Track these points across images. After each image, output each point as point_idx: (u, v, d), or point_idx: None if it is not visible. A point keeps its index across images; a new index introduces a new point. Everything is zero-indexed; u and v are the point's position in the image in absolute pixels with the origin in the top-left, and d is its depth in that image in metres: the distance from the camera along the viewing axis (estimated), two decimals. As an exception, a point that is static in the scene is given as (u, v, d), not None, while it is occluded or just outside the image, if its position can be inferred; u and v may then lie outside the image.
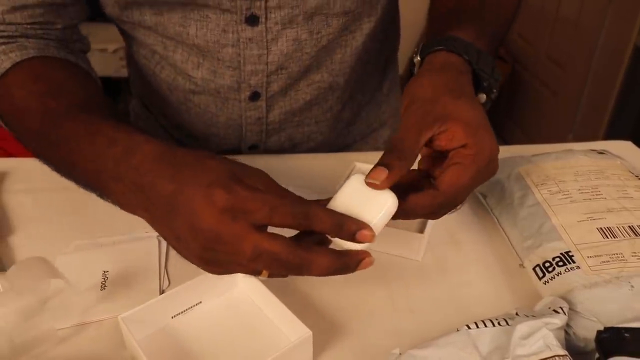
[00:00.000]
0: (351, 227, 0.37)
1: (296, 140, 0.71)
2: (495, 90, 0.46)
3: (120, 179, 0.40)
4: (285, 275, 0.39)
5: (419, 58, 0.47)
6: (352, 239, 0.37)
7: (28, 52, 0.54)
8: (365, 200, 0.38)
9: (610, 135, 1.83)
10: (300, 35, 0.59)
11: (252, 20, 0.57)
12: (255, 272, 0.38)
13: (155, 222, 0.40)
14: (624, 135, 1.81)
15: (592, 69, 1.88)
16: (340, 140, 0.75)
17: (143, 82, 0.71)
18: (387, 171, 0.38)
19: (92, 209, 0.60)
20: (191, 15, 0.57)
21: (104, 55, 1.96)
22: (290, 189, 0.38)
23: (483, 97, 0.48)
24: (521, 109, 2.32)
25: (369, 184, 0.38)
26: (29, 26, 0.55)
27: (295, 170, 0.58)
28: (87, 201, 0.61)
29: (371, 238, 0.37)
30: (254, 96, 0.64)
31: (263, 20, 0.57)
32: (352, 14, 0.60)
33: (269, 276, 0.39)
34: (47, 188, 0.63)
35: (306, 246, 0.36)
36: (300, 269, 0.36)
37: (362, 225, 0.37)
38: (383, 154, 0.39)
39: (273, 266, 0.36)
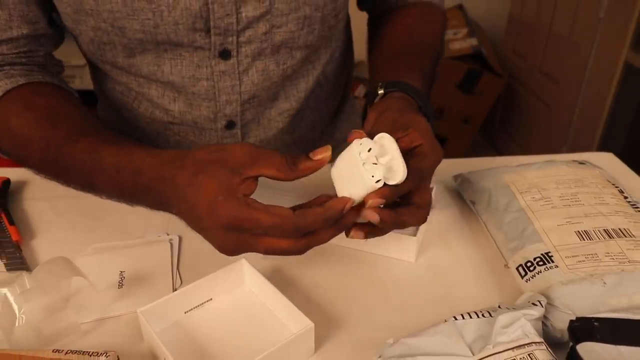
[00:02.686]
0: (336, 210, 0.44)
1: None
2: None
3: (142, 197, 0.50)
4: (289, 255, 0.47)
5: (382, 91, 0.56)
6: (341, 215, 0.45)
7: (17, 80, 0.58)
8: (358, 170, 0.44)
9: (604, 147, 1.87)
10: (268, 66, 0.64)
11: (225, 54, 0.61)
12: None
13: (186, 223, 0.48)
14: (617, 148, 1.84)
15: (584, 84, 1.92)
16: None
17: (118, 114, 0.73)
18: None
19: (107, 215, 0.65)
20: (164, 55, 0.61)
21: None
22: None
23: None
24: (515, 122, 2.37)
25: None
26: (14, 55, 0.59)
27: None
28: (102, 208, 0.66)
29: (350, 204, 0.44)
30: (230, 125, 0.68)
31: (235, 54, 0.62)
32: (312, 47, 0.65)
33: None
34: (64, 195, 0.67)
35: (310, 231, 0.44)
36: (307, 250, 0.45)
37: (344, 201, 0.44)
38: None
39: (285, 255, 0.46)
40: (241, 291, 0.53)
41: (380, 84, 0.56)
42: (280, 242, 0.44)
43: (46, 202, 0.67)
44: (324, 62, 0.70)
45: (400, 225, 0.47)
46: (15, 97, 0.57)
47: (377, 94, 0.56)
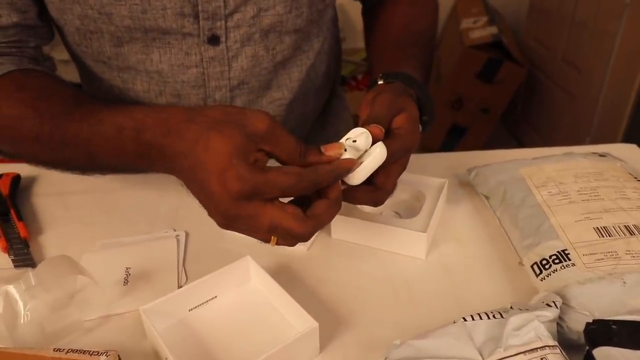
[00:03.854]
0: (344, 169, 0.44)
1: None
2: (425, 118, 0.57)
3: (142, 158, 0.45)
4: (293, 244, 0.44)
5: (382, 82, 0.56)
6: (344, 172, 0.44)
7: (7, 67, 0.56)
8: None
9: (629, 138, 1.81)
10: (258, 52, 0.64)
11: (214, 40, 0.61)
12: (267, 240, 0.43)
13: (186, 185, 0.44)
14: (643, 138, 1.76)
15: (609, 72, 1.86)
16: None
17: None
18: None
19: (115, 211, 0.65)
20: (153, 44, 0.60)
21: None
22: None
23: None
24: (538, 112, 2.31)
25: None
26: (4, 44, 0.58)
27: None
28: (111, 203, 0.66)
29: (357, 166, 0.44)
30: None
31: (223, 39, 0.61)
32: (302, 31, 0.65)
33: (277, 244, 0.43)
34: (73, 191, 0.68)
35: (315, 212, 0.42)
36: (308, 237, 0.42)
37: (351, 162, 0.44)
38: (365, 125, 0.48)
39: (287, 238, 0.42)
40: (246, 289, 0.52)
41: (380, 75, 0.56)
42: (287, 220, 0.41)
43: (56, 197, 0.67)
44: (315, 51, 0.70)
45: (349, 199, 0.47)
46: (6, 83, 0.56)
47: (377, 84, 0.56)
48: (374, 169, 0.45)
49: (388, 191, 0.49)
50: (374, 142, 0.46)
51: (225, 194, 0.39)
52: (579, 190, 0.55)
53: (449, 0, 2.37)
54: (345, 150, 0.44)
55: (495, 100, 2.20)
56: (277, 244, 0.43)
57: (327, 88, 0.80)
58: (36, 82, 0.56)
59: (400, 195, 0.63)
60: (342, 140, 0.45)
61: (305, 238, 0.42)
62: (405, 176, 0.64)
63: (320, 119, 0.82)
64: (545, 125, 2.28)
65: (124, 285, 0.53)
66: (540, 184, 0.57)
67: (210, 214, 0.42)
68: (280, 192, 0.40)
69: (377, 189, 0.48)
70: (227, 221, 0.41)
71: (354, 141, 0.45)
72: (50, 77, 0.58)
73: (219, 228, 0.43)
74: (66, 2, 0.57)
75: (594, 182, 0.56)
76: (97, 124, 0.47)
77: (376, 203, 0.49)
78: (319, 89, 0.77)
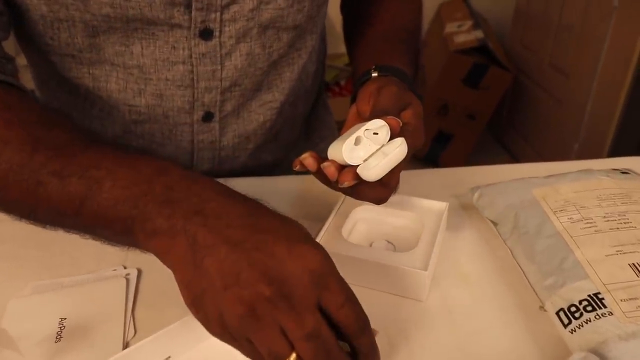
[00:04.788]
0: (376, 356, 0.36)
1: (249, 168, 0.68)
2: None
3: (171, 202, 0.35)
4: None
5: (377, 74, 0.53)
6: None
7: None
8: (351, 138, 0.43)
9: (618, 144, 1.78)
10: (254, 49, 0.57)
11: (206, 34, 0.54)
12: (283, 356, 0.32)
13: (206, 250, 0.33)
14: (631, 145, 1.74)
15: (597, 77, 1.83)
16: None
17: None
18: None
19: (54, 244, 0.54)
20: (134, 34, 0.53)
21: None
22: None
23: None
24: (524, 118, 2.27)
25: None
26: None
27: (270, 195, 0.52)
28: (49, 235, 0.55)
29: None
30: (207, 117, 0.61)
31: (217, 34, 0.54)
32: (299, 28, 0.60)
33: None
34: (6, 219, 0.56)
35: (346, 354, 0.34)
36: None
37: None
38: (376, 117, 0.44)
39: (319, 355, 0.32)
40: (207, 345, 0.42)
41: (373, 67, 0.54)
42: (330, 333, 0.32)
43: (-20, 228, 0.56)
44: (309, 50, 0.64)
45: (354, 193, 0.44)
46: None
47: (371, 76, 0.53)
48: (393, 167, 0.42)
49: (392, 188, 0.45)
50: (391, 136, 0.43)
51: (298, 262, 0.32)
52: (605, 216, 0.47)
53: (432, 5, 2.31)
54: (358, 143, 0.42)
55: (482, 106, 2.15)
56: None
57: (314, 91, 0.75)
58: (25, 105, 0.45)
59: (393, 221, 0.54)
60: (360, 130, 0.42)
61: None
62: (397, 198, 0.55)
63: (306, 125, 0.76)
64: (532, 132, 2.23)
65: (56, 342, 0.43)
66: (558, 208, 0.49)
67: (238, 292, 0.32)
68: (344, 299, 0.33)
69: (382, 185, 0.44)
70: (264, 302, 0.31)
71: (375, 133, 0.43)
72: (39, 104, 0.46)
73: None
74: None
75: (622, 206, 0.48)
76: (136, 159, 0.39)
77: (380, 200, 0.45)
78: (308, 91, 0.71)
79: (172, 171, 0.37)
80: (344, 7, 0.73)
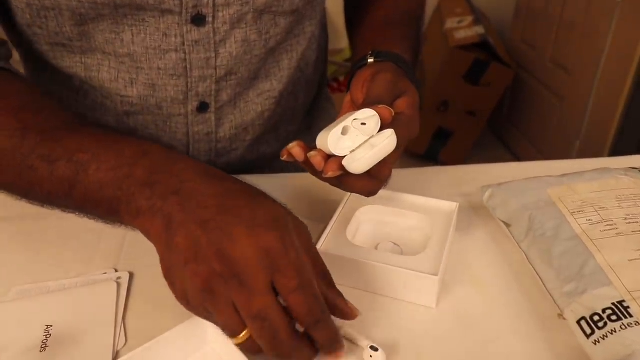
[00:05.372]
0: (337, 348, 0.37)
1: (248, 161, 0.66)
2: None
3: (151, 184, 0.37)
4: (257, 352, 0.36)
5: (373, 60, 0.52)
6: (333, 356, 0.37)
7: None
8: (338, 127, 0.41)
9: (620, 142, 1.76)
10: (250, 36, 0.55)
11: (199, 20, 0.52)
12: (236, 331, 0.35)
13: (177, 228, 0.35)
14: (633, 143, 1.72)
15: (599, 74, 1.81)
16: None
17: None
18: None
19: (41, 246, 0.51)
20: (124, 20, 0.51)
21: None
22: None
23: None
24: (525, 115, 2.25)
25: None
26: None
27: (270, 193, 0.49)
28: (36, 236, 0.52)
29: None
30: (202, 107, 0.58)
31: (210, 19, 0.52)
32: (297, 13, 0.58)
33: (241, 345, 0.35)
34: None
35: (302, 335, 0.35)
36: (284, 354, 0.35)
37: (343, 350, 0.37)
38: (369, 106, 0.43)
39: (265, 338, 0.34)
40: (201, 355, 0.39)
41: (370, 52, 0.53)
42: (280, 315, 0.34)
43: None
44: (308, 37, 0.62)
45: (342, 185, 0.43)
46: None
47: (367, 62, 0.52)
48: (380, 159, 0.41)
49: (382, 181, 0.44)
50: (381, 126, 0.42)
51: (251, 241, 0.33)
52: (626, 218, 0.44)
53: (432, 0, 2.28)
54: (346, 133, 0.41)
55: (482, 103, 2.13)
56: (242, 344, 0.35)
57: (316, 81, 0.73)
58: (19, 92, 0.47)
59: (400, 222, 0.51)
60: (349, 120, 0.41)
61: (282, 348, 0.34)
62: (404, 198, 0.53)
63: (307, 116, 0.74)
64: (533, 129, 2.21)
65: (41, 351, 0.40)
66: (576, 209, 0.46)
67: (196, 268, 0.34)
68: (297, 284, 0.34)
69: (371, 177, 0.43)
70: (217, 278, 0.34)
71: (363, 124, 0.41)
72: (34, 87, 0.48)
73: None
74: None
75: (643, 207, 0.45)
76: (119, 141, 0.41)
77: (369, 193, 0.44)
78: (309, 81, 0.69)
79: (153, 153, 0.39)
80: None
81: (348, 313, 0.38)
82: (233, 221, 0.34)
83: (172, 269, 0.35)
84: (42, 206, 0.44)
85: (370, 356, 0.38)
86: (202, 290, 0.34)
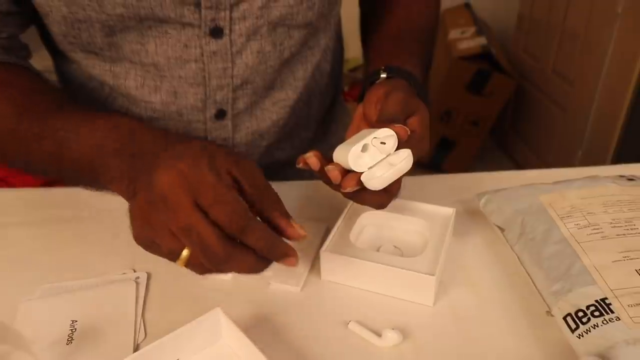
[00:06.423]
0: (278, 251, 0.39)
1: (262, 165, 0.68)
2: None
3: (119, 153, 0.43)
4: (203, 271, 0.39)
5: (385, 75, 0.54)
6: (278, 259, 0.39)
7: None
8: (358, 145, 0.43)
9: (621, 152, 1.77)
10: (264, 47, 0.58)
11: (216, 32, 0.55)
12: (176, 253, 0.38)
13: (133, 184, 0.41)
14: (635, 153, 1.73)
15: (600, 83, 1.82)
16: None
17: None
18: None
19: (62, 248, 0.55)
20: (148, 32, 0.54)
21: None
22: None
23: None
24: (527, 125, 2.27)
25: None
26: None
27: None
28: (57, 238, 0.56)
29: (294, 263, 0.39)
30: (220, 114, 0.62)
31: (227, 32, 0.55)
32: (311, 26, 0.60)
33: (187, 265, 0.39)
34: (9, 223, 0.58)
35: (235, 243, 0.38)
36: (222, 264, 0.37)
37: (289, 252, 0.39)
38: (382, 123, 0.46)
39: (197, 250, 0.37)
40: (215, 349, 0.42)
41: (383, 67, 0.55)
42: (206, 228, 0.36)
43: (-8, 231, 0.56)
44: (322, 48, 0.65)
45: (356, 198, 0.45)
46: None
47: (380, 77, 0.54)
48: (397, 178, 0.43)
49: (393, 194, 0.46)
50: (398, 144, 0.44)
51: (169, 171, 0.37)
52: (611, 222, 0.47)
53: (435, 11, 2.31)
54: (365, 150, 0.43)
55: (485, 113, 2.15)
56: (186, 265, 0.39)
57: (331, 91, 0.75)
58: (16, 79, 0.53)
59: (400, 226, 0.54)
60: (369, 137, 0.43)
61: (218, 258, 0.37)
62: (405, 204, 0.56)
63: (322, 124, 0.77)
64: (535, 138, 2.23)
65: (68, 344, 0.44)
66: (565, 214, 0.49)
67: (136, 200, 0.39)
68: (212, 198, 0.37)
69: (383, 192, 0.45)
70: (149, 204, 0.38)
71: (383, 143, 0.43)
72: (34, 76, 0.54)
73: (186, 269, 0.40)
74: None
75: (628, 212, 0.48)
76: (94, 118, 0.46)
77: (380, 205, 0.46)
78: (323, 91, 0.72)
79: (122, 127, 0.45)
80: (362, 2, 0.74)
81: (285, 229, 0.40)
82: (160, 161, 0.39)
83: (130, 218, 0.40)
84: (45, 175, 0.52)
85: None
86: (144, 224, 0.38)
